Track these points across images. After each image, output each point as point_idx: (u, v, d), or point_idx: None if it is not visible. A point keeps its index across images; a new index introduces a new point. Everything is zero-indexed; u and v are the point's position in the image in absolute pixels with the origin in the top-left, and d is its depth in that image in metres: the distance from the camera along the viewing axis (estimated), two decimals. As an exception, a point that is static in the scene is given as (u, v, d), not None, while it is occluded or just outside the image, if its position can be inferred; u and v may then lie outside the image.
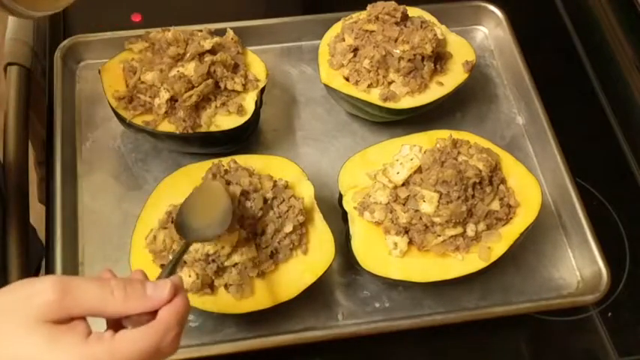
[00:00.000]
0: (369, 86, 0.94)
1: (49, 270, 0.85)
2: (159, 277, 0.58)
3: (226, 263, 0.77)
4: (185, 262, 0.77)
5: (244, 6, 1.16)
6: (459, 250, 0.81)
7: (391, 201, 0.81)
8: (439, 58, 0.96)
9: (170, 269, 0.61)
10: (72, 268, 0.86)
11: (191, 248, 0.75)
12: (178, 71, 0.88)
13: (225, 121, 0.90)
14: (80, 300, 0.51)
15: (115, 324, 0.53)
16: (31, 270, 0.85)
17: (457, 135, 0.88)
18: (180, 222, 0.71)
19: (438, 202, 0.79)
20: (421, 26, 0.95)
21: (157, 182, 0.85)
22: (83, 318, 0.51)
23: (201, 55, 0.90)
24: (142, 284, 0.53)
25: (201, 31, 0.94)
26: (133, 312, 0.52)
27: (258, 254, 0.78)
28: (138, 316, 0.53)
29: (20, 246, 0.84)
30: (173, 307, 0.53)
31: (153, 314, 0.53)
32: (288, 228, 0.79)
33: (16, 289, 0.52)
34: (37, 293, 0.50)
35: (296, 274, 0.80)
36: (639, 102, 1.07)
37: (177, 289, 0.54)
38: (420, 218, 0.80)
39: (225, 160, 0.84)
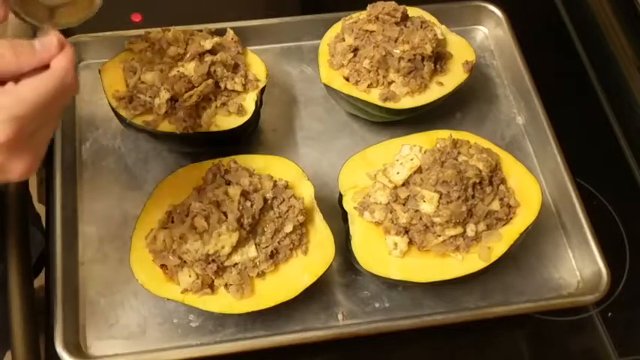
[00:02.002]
0: (369, 86, 0.94)
1: (50, 270, 0.85)
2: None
3: (226, 263, 0.77)
4: (185, 262, 0.77)
5: (244, 6, 1.16)
6: (459, 250, 0.81)
7: (391, 201, 0.82)
8: (439, 58, 0.96)
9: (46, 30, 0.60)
10: (72, 268, 0.86)
11: (191, 248, 0.75)
12: (178, 71, 0.88)
13: (225, 121, 0.90)
14: None
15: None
16: (31, 270, 0.85)
17: (457, 135, 0.88)
18: None
19: (438, 202, 0.79)
20: (421, 26, 0.95)
21: (157, 182, 0.85)
22: None
23: (201, 55, 0.90)
24: (29, 43, 0.55)
25: (201, 31, 0.94)
26: (27, 68, 0.54)
27: (258, 254, 0.78)
28: (33, 72, 0.55)
29: (20, 246, 0.84)
30: (64, 54, 0.56)
31: (46, 68, 0.55)
32: (288, 228, 0.79)
33: None
34: None
35: (296, 274, 0.80)
36: (639, 102, 1.07)
37: (62, 42, 0.57)
38: (420, 218, 0.80)
39: (225, 160, 0.84)
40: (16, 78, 0.54)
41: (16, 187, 0.88)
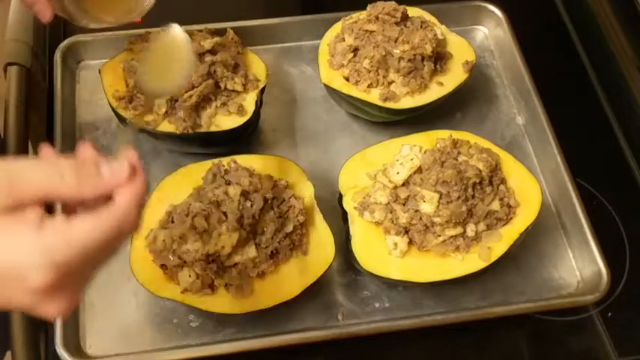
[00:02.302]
0: (369, 86, 0.94)
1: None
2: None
3: (226, 263, 0.77)
4: (185, 262, 0.77)
5: (244, 6, 1.16)
6: (459, 250, 0.81)
7: (391, 201, 0.81)
8: (439, 58, 0.96)
9: (129, 144, 0.54)
10: (72, 268, 0.86)
11: (191, 248, 0.75)
12: (178, 71, 0.88)
13: (225, 121, 0.90)
14: (28, 185, 0.46)
15: (70, 210, 0.49)
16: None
17: (457, 135, 0.88)
18: (140, 83, 0.67)
19: (438, 202, 0.79)
20: (421, 26, 0.95)
21: (157, 182, 0.85)
22: (36, 204, 0.46)
23: (201, 55, 0.90)
24: (96, 165, 0.48)
25: (201, 31, 0.94)
26: (88, 196, 0.47)
27: (258, 254, 0.78)
28: (93, 201, 0.47)
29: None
30: (132, 188, 0.49)
31: (109, 197, 0.48)
32: (288, 228, 0.80)
33: None
34: None
35: (296, 274, 0.80)
36: (639, 102, 1.07)
37: (135, 169, 0.50)
38: (420, 218, 0.80)
39: (225, 160, 0.84)
40: (72, 208, 0.48)
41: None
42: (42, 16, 0.73)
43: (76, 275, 0.47)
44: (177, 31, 0.69)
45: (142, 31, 0.95)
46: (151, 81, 0.65)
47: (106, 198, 0.48)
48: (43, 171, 0.46)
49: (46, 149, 0.50)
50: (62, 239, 0.45)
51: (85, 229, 0.46)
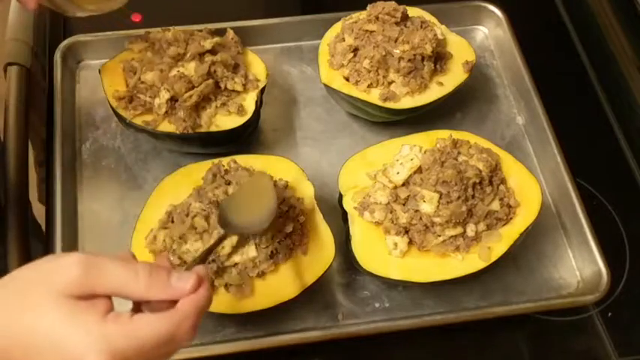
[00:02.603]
0: (369, 86, 0.94)
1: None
2: (187, 267, 0.58)
3: (226, 263, 0.77)
4: (185, 262, 0.77)
5: (244, 6, 1.16)
6: (459, 250, 0.81)
7: (391, 201, 0.81)
8: (439, 58, 0.96)
9: (200, 259, 0.61)
10: (72, 268, 0.86)
11: (191, 248, 0.75)
12: (178, 71, 0.88)
13: (226, 121, 0.90)
14: (104, 279, 0.51)
15: (135, 306, 0.54)
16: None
17: (457, 135, 0.88)
18: (223, 214, 0.71)
19: (438, 202, 0.79)
20: (421, 26, 0.95)
21: (157, 182, 0.85)
22: (106, 297, 0.52)
23: (201, 55, 0.90)
24: (168, 272, 0.54)
25: (201, 31, 0.94)
26: (155, 298, 0.53)
27: (258, 254, 0.78)
28: (158, 303, 0.53)
29: (20, 246, 0.84)
30: (194, 298, 0.54)
31: (173, 303, 0.53)
32: (288, 228, 0.79)
33: (42, 263, 0.53)
34: (62, 268, 0.51)
35: (296, 274, 0.80)
36: (639, 102, 1.07)
37: (201, 282, 0.55)
38: (420, 218, 0.80)
39: (225, 160, 0.84)
40: (138, 306, 0.54)
41: (16, 187, 0.88)
42: (26, 4, 0.74)
43: None
44: (265, 178, 0.78)
45: (141, 31, 0.95)
46: (237, 214, 0.72)
47: (171, 302, 0.53)
48: (121, 269, 0.52)
49: (126, 253, 0.56)
50: (123, 331, 0.50)
51: (145, 326, 0.51)
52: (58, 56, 0.99)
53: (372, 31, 0.94)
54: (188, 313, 0.53)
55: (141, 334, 0.51)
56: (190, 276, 0.54)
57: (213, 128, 0.89)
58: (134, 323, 0.51)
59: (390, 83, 0.94)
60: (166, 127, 0.88)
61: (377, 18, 0.95)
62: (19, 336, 0.50)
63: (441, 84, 0.95)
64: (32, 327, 0.50)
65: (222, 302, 0.78)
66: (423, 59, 0.93)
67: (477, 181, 0.81)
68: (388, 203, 0.82)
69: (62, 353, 0.49)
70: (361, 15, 0.98)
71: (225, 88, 0.90)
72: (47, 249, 0.87)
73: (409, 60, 0.92)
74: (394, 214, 0.81)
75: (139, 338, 0.50)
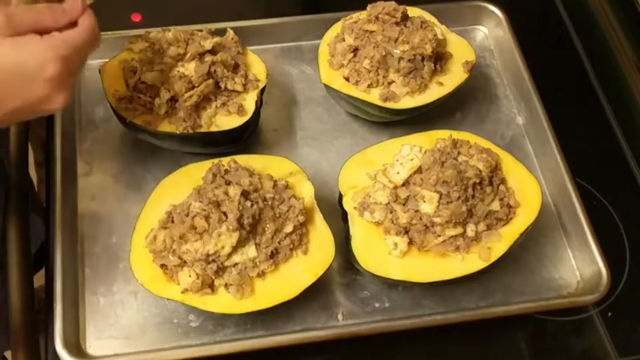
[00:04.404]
0: (369, 86, 0.94)
1: (50, 270, 0.85)
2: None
3: (226, 263, 0.77)
4: (185, 262, 0.77)
5: (244, 6, 1.16)
6: (459, 251, 0.81)
7: (391, 201, 0.81)
8: (439, 58, 0.96)
9: None
10: (72, 268, 0.86)
11: (191, 248, 0.75)
12: (179, 71, 0.88)
13: (226, 121, 0.90)
14: (22, 18, 0.63)
15: None
16: (31, 270, 0.85)
17: (457, 135, 0.88)
18: None
19: (438, 202, 0.79)
20: (421, 26, 0.95)
21: (157, 182, 0.85)
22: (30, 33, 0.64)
23: (201, 55, 0.90)
24: (60, 5, 0.67)
25: (201, 31, 0.94)
26: (61, 24, 0.66)
27: (258, 254, 0.78)
28: (65, 28, 0.66)
29: (20, 245, 0.84)
30: (88, 15, 0.68)
31: (74, 25, 0.67)
32: (289, 228, 0.79)
33: None
34: None
35: (296, 274, 0.80)
36: (639, 102, 1.07)
37: (85, 6, 0.68)
38: (420, 218, 0.80)
39: (225, 160, 0.84)
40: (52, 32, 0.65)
41: (16, 187, 0.88)
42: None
43: (72, 68, 0.66)
44: None
45: (141, 31, 0.95)
46: None
47: (73, 25, 0.67)
48: (30, 11, 0.64)
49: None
50: (62, 40, 0.64)
51: (74, 34, 0.66)
52: (58, 56, 0.99)
53: (372, 31, 0.94)
54: (91, 21, 0.67)
55: (75, 39, 0.65)
56: (75, 1, 0.67)
57: (213, 128, 0.89)
58: (66, 34, 0.65)
59: (390, 83, 0.94)
60: (166, 127, 0.88)
61: (377, 18, 0.95)
62: None
63: (441, 84, 0.95)
64: None
65: (222, 302, 0.78)
66: (423, 59, 0.93)
67: (477, 181, 0.81)
68: (388, 203, 0.82)
69: (24, 73, 0.62)
70: (361, 15, 0.98)
71: (226, 88, 0.90)
72: (47, 248, 0.87)
73: (409, 60, 0.92)
74: (394, 214, 0.81)
75: (75, 42, 0.65)
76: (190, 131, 0.88)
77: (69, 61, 0.64)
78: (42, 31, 0.64)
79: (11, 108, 0.64)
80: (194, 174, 0.84)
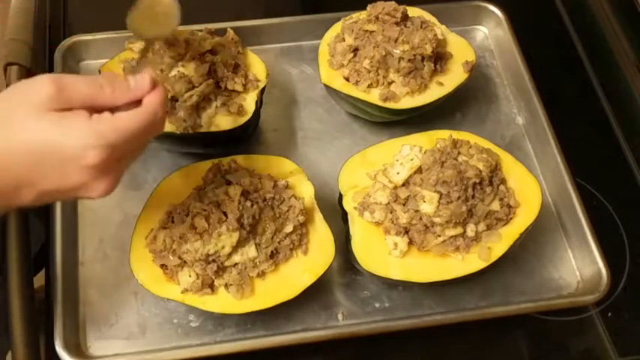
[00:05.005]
0: (369, 86, 0.94)
1: (50, 270, 0.85)
2: (131, 72, 0.64)
3: (226, 263, 0.77)
4: (185, 262, 0.77)
5: (244, 6, 1.16)
6: (459, 251, 0.81)
7: (391, 201, 0.82)
8: (439, 58, 0.96)
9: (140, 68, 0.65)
10: (72, 268, 0.86)
11: (191, 248, 0.75)
12: (179, 71, 0.88)
13: (226, 121, 0.90)
14: (76, 92, 0.57)
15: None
16: (31, 270, 0.85)
17: (457, 135, 0.88)
18: (131, 25, 0.73)
19: (438, 202, 0.79)
20: (421, 26, 0.95)
21: (157, 182, 0.85)
22: (82, 108, 0.58)
23: (201, 55, 0.89)
24: (125, 78, 0.61)
25: (201, 31, 0.94)
26: (121, 102, 0.60)
27: (258, 254, 0.78)
28: (126, 106, 0.60)
29: (20, 246, 0.84)
30: (157, 93, 0.61)
31: (137, 103, 0.61)
32: (289, 228, 0.80)
33: (14, 88, 0.58)
34: (36, 88, 0.57)
35: (296, 274, 0.80)
36: (639, 102, 1.07)
37: (155, 81, 0.62)
38: (420, 218, 0.80)
39: (225, 160, 0.84)
40: (111, 110, 0.59)
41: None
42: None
43: (120, 157, 0.59)
44: None
45: (142, 31, 0.95)
46: (142, 29, 0.74)
47: (136, 103, 0.61)
48: (88, 83, 0.59)
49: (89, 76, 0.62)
50: (111, 126, 0.57)
51: (128, 119, 0.59)
52: (58, 56, 0.99)
53: (372, 31, 0.94)
54: (156, 104, 0.61)
55: (127, 126, 0.58)
56: (144, 76, 0.61)
57: (213, 128, 0.89)
58: (118, 119, 0.58)
59: (390, 83, 0.94)
60: (166, 127, 0.88)
61: (377, 18, 0.95)
62: (16, 151, 0.55)
63: (441, 84, 0.95)
64: (26, 140, 0.55)
65: (222, 302, 0.78)
66: (423, 59, 0.93)
67: (477, 181, 0.81)
68: (388, 203, 0.82)
69: (62, 156, 0.56)
70: (361, 15, 0.98)
71: (226, 88, 0.90)
72: (47, 249, 0.87)
73: (409, 60, 0.92)
74: (394, 214, 0.81)
75: (126, 130, 0.58)
76: (190, 131, 0.88)
77: (115, 149, 0.58)
78: (97, 108, 0.58)
79: (44, 189, 0.58)
80: (194, 174, 0.84)
